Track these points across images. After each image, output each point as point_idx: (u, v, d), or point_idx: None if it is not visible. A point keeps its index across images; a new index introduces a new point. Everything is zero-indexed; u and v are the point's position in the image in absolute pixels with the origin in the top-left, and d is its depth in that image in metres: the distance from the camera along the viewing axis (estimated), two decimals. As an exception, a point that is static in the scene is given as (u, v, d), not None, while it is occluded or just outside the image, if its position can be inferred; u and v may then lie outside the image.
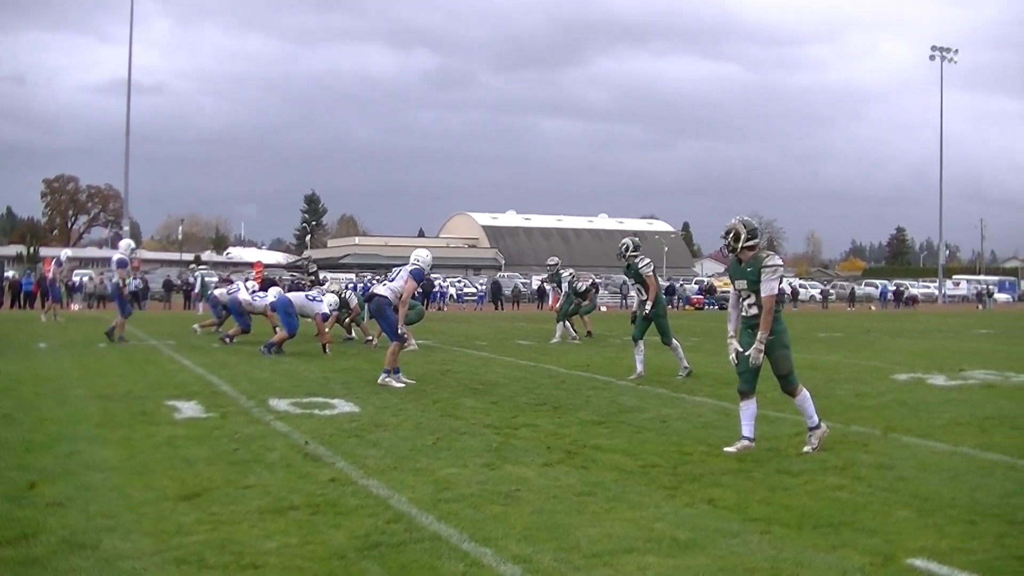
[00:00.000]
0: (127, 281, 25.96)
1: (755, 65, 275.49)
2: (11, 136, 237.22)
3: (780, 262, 10.71)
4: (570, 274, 31.03)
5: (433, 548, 6.70)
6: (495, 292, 69.21)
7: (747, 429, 10.61)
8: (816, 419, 10.74)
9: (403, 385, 15.85)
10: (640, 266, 18.00)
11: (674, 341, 18.11)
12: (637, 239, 18.86)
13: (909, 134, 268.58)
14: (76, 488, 8.32)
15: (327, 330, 23.17)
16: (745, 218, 11.08)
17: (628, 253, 18.22)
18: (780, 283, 10.68)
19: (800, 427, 11.67)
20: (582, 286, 30.92)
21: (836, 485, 8.78)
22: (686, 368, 18.05)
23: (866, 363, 21.76)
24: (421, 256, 17.00)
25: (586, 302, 30.51)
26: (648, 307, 18.08)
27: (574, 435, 11.27)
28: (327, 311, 23.43)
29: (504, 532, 7.07)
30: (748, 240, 10.83)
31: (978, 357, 23.96)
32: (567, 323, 29.58)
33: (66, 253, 40.11)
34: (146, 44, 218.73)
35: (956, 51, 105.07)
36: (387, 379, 16.00)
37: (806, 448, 10.45)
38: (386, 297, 16.59)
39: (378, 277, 67.51)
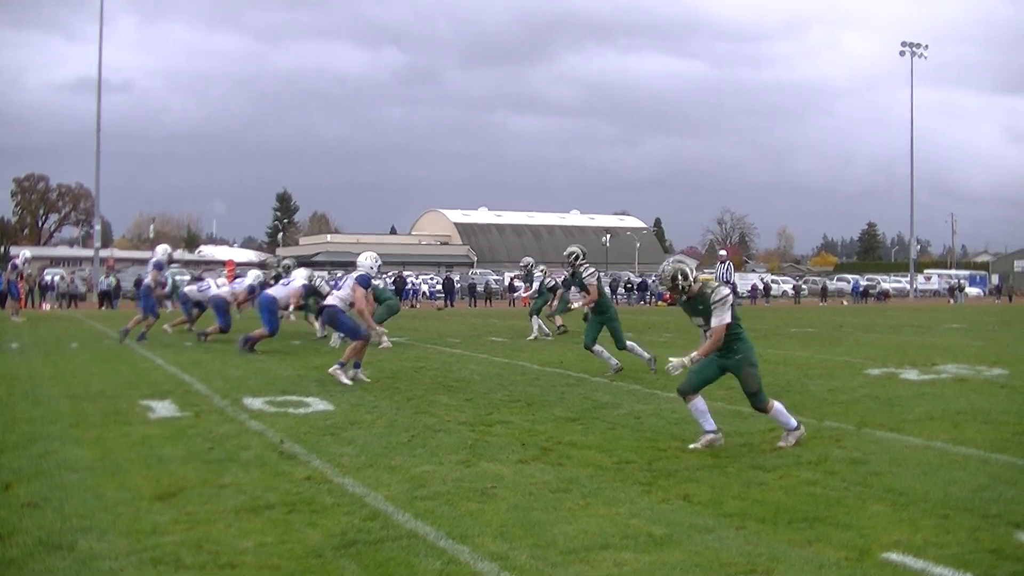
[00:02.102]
0: (158, 283, 25.97)
1: (721, 61, 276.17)
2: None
3: (726, 292, 10.76)
4: (542, 271, 31.16)
5: (410, 546, 6.71)
6: (449, 288, 68.70)
7: (706, 423, 10.64)
8: (794, 423, 10.78)
9: (350, 382, 15.77)
10: (584, 275, 17.95)
11: (629, 342, 18.04)
12: (584, 248, 18.72)
13: (877, 129, 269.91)
14: (51, 488, 8.31)
15: (291, 310, 23.40)
16: (678, 258, 11.46)
17: (577, 262, 18.14)
18: (731, 312, 10.61)
19: (774, 423, 11.72)
20: (551, 282, 30.86)
21: (810, 480, 8.82)
22: (650, 359, 18.03)
23: (839, 358, 21.82)
24: (364, 262, 16.93)
25: (555, 302, 30.36)
26: (585, 308, 18.12)
27: (549, 432, 11.29)
28: (303, 283, 23.43)
29: (480, 529, 7.09)
30: (685, 280, 10.86)
31: (950, 352, 24.05)
32: (539, 321, 29.66)
33: (25, 254, 39.99)
34: (113, 42, 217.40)
35: (926, 46, 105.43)
36: (338, 371, 15.91)
37: (781, 443, 10.51)
38: (335, 306, 16.54)
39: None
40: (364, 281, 16.47)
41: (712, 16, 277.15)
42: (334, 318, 16.53)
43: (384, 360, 19.99)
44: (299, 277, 23.78)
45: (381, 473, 8.98)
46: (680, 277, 10.82)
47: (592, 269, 18.33)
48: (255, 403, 13.37)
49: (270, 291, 23.37)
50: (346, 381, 15.74)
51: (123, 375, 16.81)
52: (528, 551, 6.61)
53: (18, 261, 38.14)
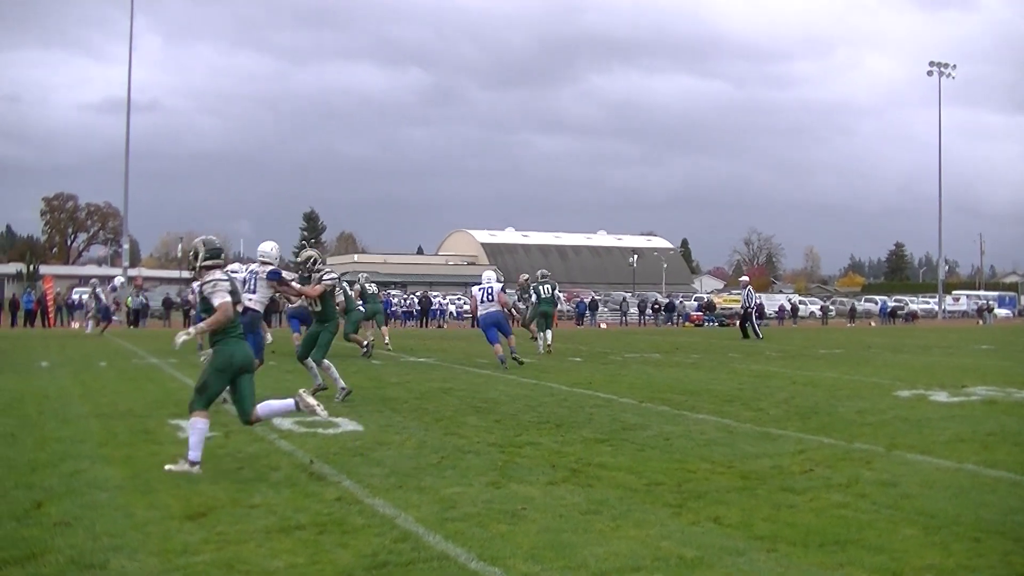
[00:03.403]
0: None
1: (744, 81, 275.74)
2: (8, 154, 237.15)
3: (216, 277, 10.51)
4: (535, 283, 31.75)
5: (441, 567, 6.71)
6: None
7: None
8: (197, 455, 10.10)
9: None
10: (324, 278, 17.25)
11: (325, 361, 17.12)
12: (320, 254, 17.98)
13: (901, 149, 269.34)
14: (81, 507, 8.33)
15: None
16: (208, 238, 11.13)
17: (314, 266, 17.45)
18: (225, 296, 10.32)
19: (804, 445, 11.74)
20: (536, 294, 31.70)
21: (841, 503, 8.78)
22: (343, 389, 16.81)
23: (867, 379, 21.73)
24: (266, 252, 16.32)
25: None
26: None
27: (578, 453, 11.27)
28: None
29: (511, 551, 7.07)
30: (207, 259, 10.78)
31: (979, 373, 23.92)
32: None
33: (120, 280, 40.29)
34: (139, 62, 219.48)
35: (954, 66, 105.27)
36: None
37: (173, 467, 10.15)
38: (259, 312, 16.21)
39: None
40: (275, 275, 15.98)
41: (735, 36, 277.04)
42: (254, 324, 15.87)
43: (412, 381, 20.03)
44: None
45: (411, 494, 8.97)
46: (192, 255, 10.89)
47: (333, 274, 17.75)
48: (284, 423, 13.35)
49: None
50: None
51: (152, 394, 16.84)
52: (559, 573, 6.60)
53: (116, 283, 38.33)
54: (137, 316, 56.39)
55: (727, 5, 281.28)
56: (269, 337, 25.04)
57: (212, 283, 10.43)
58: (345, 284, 28.20)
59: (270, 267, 16.17)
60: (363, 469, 10.16)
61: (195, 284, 11.16)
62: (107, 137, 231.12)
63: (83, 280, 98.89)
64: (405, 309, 68.93)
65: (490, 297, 26.34)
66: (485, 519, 8.02)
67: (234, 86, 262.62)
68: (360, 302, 29.14)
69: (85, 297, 59.78)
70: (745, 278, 50.12)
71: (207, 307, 10.34)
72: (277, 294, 16.78)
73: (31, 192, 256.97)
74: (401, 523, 7.85)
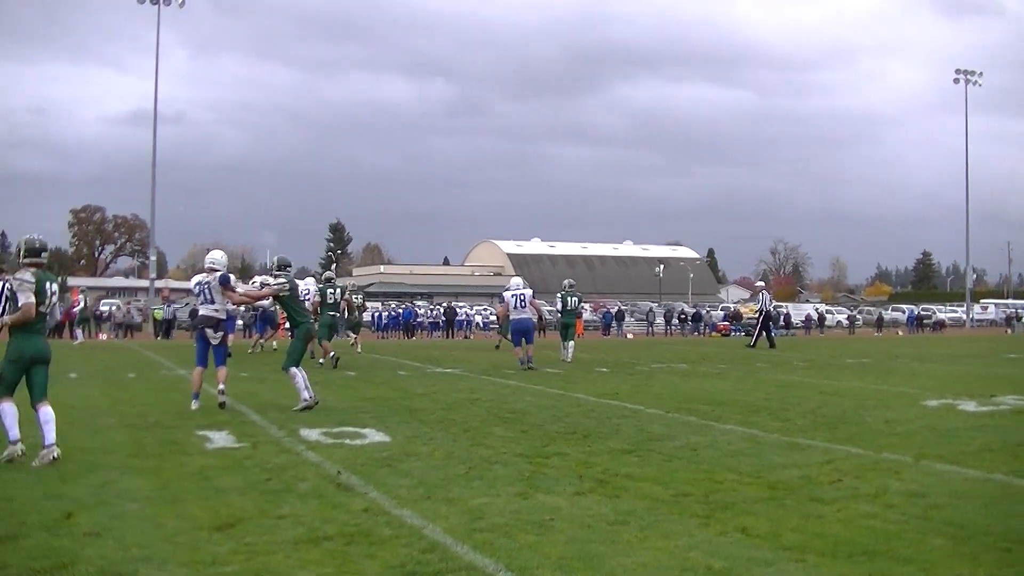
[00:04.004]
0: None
1: (768, 91, 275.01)
2: (36, 167, 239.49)
3: (26, 277, 11.29)
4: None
5: (468, 578, 6.72)
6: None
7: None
8: (14, 434, 11.37)
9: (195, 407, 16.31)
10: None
11: (292, 369, 16.89)
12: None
13: (927, 157, 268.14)
14: (111, 518, 8.37)
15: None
16: (30, 237, 11.78)
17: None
18: (30, 297, 11.27)
19: (831, 455, 11.72)
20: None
21: (869, 513, 8.75)
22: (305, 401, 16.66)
23: (895, 389, 21.66)
24: (216, 260, 16.83)
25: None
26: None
27: (605, 464, 11.26)
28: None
29: (539, 561, 7.07)
30: (25, 257, 11.57)
31: (1008, 382, 23.85)
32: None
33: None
34: (165, 74, 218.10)
35: (980, 74, 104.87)
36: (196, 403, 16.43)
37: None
38: (222, 318, 16.79)
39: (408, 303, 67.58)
40: (225, 280, 16.54)
41: (759, 46, 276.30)
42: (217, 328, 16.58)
43: (439, 392, 20.04)
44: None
45: (439, 505, 8.98)
46: (15, 251, 11.88)
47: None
48: (311, 434, 13.40)
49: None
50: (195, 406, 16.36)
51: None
52: (587, 584, 6.60)
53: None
54: (168, 327, 56.60)
55: (752, 15, 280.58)
56: (275, 344, 25.37)
57: (20, 282, 11.30)
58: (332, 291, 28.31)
59: (215, 273, 16.63)
60: (390, 480, 10.18)
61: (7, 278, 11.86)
62: (133, 149, 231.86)
63: (110, 292, 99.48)
64: (431, 320, 68.91)
65: (522, 303, 27.73)
66: (513, 530, 8.03)
67: (260, 98, 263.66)
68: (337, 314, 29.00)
69: (113, 309, 60.26)
70: (761, 283, 50.02)
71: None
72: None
73: (59, 204, 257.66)
74: (429, 534, 7.86)
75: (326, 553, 7.29)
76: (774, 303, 45.02)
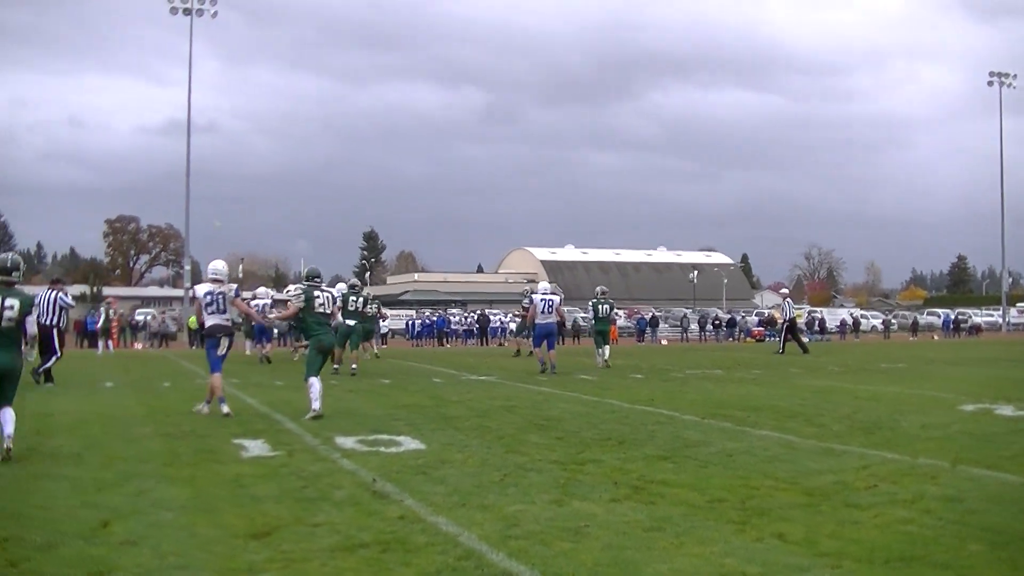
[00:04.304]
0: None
1: (800, 96, 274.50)
2: (72, 178, 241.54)
3: None
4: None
5: (504, 585, 6.72)
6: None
7: None
8: None
9: (203, 410, 17.21)
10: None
11: (310, 379, 17.01)
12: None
13: (960, 160, 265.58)
14: (147, 526, 8.39)
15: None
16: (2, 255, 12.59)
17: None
18: None
19: (867, 460, 11.68)
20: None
21: (905, 518, 8.71)
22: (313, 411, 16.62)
23: (931, 394, 21.57)
24: (219, 270, 17.61)
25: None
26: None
27: (640, 470, 11.23)
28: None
29: (574, 568, 7.06)
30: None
31: (1045, 386, 23.73)
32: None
33: (265, 291, 41.00)
34: (198, 85, 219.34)
35: (1014, 76, 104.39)
36: (202, 407, 17.28)
37: None
38: (228, 326, 17.49)
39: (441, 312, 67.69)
40: (236, 294, 17.54)
41: (791, 51, 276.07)
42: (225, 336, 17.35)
43: (473, 399, 20.04)
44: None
45: (474, 512, 8.97)
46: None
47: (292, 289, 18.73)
48: (347, 442, 13.41)
49: None
50: (205, 410, 17.20)
51: (214, 414, 16.89)
52: (622, 590, 6.59)
53: (262, 302, 38.69)
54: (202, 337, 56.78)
55: (783, 20, 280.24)
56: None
57: None
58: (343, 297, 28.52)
59: (220, 283, 17.39)
60: (426, 487, 10.17)
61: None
62: (167, 159, 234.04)
63: (145, 301, 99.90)
64: (465, 328, 68.95)
65: (550, 309, 28.37)
66: (548, 536, 8.02)
67: (292, 107, 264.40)
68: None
69: (148, 318, 60.59)
70: (785, 290, 50.07)
71: None
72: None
73: (94, 215, 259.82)
74: (464, 541, 7.85)
75: (362, 561, 7.30)
76: (810, 309, 44.91)
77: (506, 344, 46.75)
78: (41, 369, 23.95)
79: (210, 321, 17.27)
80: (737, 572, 7.01)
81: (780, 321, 45.61)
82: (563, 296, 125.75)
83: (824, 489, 10.11)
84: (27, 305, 12.35)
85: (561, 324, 32.54)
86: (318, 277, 17.99)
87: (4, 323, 12.01)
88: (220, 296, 17.14)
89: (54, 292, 24.81)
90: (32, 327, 12.55)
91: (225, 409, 16.77)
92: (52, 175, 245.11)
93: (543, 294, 29.36)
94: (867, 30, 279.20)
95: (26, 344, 12.49)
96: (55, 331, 24.35)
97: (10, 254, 12.62)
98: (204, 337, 17.85)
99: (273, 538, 7.99)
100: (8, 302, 12.01)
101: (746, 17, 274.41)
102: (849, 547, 7.67)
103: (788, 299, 46.00)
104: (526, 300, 39.50)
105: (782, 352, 42.99)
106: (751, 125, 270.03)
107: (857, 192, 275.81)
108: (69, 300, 25.26)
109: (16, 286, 12.40)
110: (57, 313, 24.52)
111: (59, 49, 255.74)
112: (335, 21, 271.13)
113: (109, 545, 7.76)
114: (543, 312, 28.74)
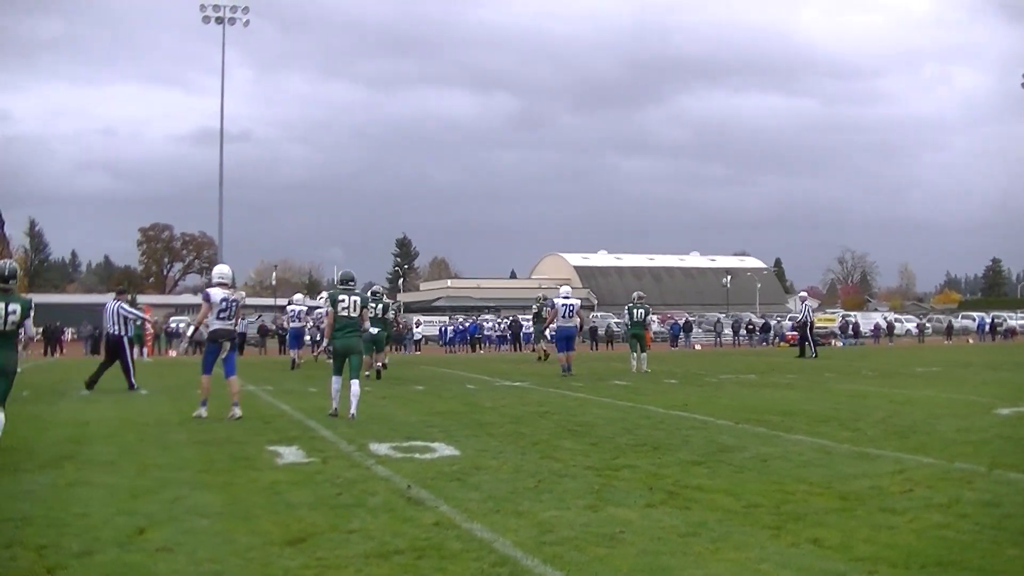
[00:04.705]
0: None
1: (831, 99, 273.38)
2: (106, 186, 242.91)
3: None
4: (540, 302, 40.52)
5: (539, 591, 6.72)
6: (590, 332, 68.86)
7: None
8: None
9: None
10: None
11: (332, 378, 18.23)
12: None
13: (994, 163, 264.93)
14: (183, 533, 8.42)
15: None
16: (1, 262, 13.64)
17: None
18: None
19: (902, 465, 11.63)
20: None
21: (941, 523, 8.67)
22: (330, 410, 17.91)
23: (966, 398, 21.46)
24: (226, 274, 18.42)
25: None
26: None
27: (675, 475, 11.21)
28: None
29: (609, 574, 7.06)
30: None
31: (1081, 390, 23.58)
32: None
33: (300, 298, 41.37)
34: (231, 93, 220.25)
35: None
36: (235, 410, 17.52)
37: None
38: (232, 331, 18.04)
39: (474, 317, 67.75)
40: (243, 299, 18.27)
41: (821, 54, 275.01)
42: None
43: (507, 405, 20.03)
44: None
45: (508, 518, 8.97)
46: None
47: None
48: (381, 448, 13.43)
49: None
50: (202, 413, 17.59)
51: (249, 421, 16.96)
52: (658, 596, 6.58)
53: (297, 308, 38.91)
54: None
55: (813, 24, 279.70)
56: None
57: None
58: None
59: (227, 288, 18.13)
60: (460, 494, 10.17)
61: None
62: (200, 168, 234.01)
63: (179, 309, 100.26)
64: (499, 333, 68.99)
65: (570, 313, 30.04)
66: (583, 543, 8.01)
67: (325, 115, 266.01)
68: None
69: (183, 326, 60.84)
70: (804, 293, 49.99)
71: None
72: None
73: (128, 223, 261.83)
74: (499, 547, 7.85)
75: (397, 567, 7.30)
76: (843, 313, 44.79)
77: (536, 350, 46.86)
78: (130, 381, 25.15)
79: (216, 325, 17.77)
80: (773, 577, 7.00)
81: (802, 325, 45.50)
82: (597, 301, 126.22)
83: (859, 494, 10.08)
84: (26, 309, 13.26)
85: (579, 328, 33.12)
86: (351, 281, 18.55)
87: (8, 326, 13.01)
88: (234, 303, 17.80)
89: (117, 303, 25.16)
90: (31, 329, 13.67)
91: (203, 413, 17.77)
92: (86, 184, 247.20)
93: (564, 298, 30.54)
94: (898, 33, 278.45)
95: (23, 347, 13.50)
96: (123, 341, 24.76)
97: (7, 261, 13.67)
98: (208, 341, 18.14)
99: (308, 544, 8.00)
100: (11, 307, 13.01)
101: (776, 21, 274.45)
102: (885, 552, 7.64)
103: (806, 301, 45.93)
104: (535, 306, 43.99)
105: (802, 355, 42.99)
106: (783, 129, 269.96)
107: (890, 195, 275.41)
108: (130, 310, 25.59)
109: (11, 292, 13.32)
110: (121, 323, 24.87)
111: (92, 59, 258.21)
112: (366, 29, 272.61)
113: (145, 552, 7.79)
114: (564, 316, 30.20)
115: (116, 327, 24.62)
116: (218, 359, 18.09)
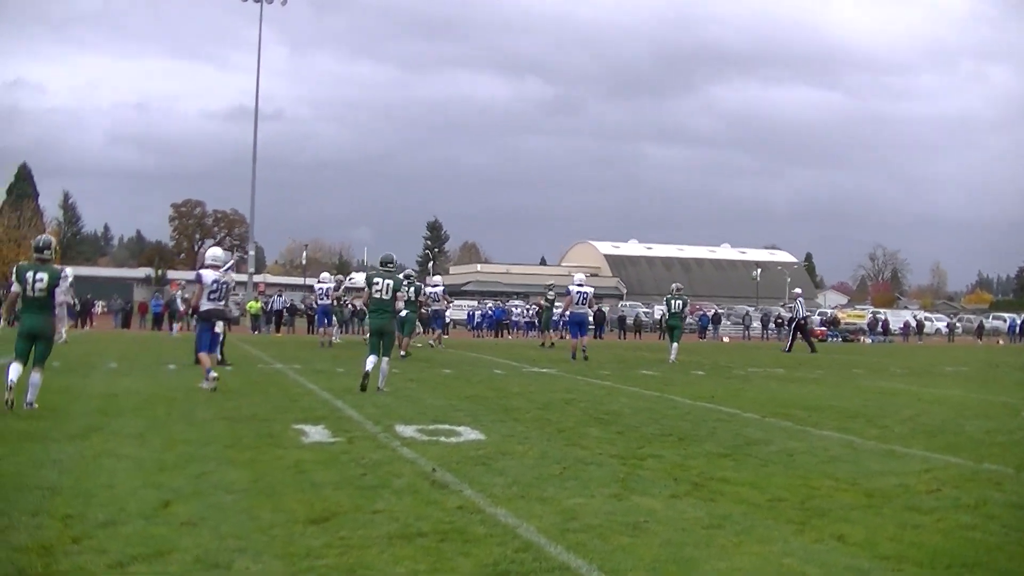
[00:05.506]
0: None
1: (864, 93, 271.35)
2: (139, 162, 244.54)
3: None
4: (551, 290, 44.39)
5: (561, 578, 6.71)
6: (599, 320, 68.73)
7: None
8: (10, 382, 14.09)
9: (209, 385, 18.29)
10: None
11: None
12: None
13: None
14: (207, 508, 8.44)
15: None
16: (38, 236, 15.66)
17: None
18: (15, 286, 14.65)
19: (930, 464, 11.59)
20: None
21: (968, 524, 8.62)
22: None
23: (996, 398, 21.39)
24: (219, 256, 19.27)
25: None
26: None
27: (700, 467, 11.18)
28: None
29: (632, 564, 7.04)
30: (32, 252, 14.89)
31: (1112, 394, 23.45)
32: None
33: (327, 276, 41.56)
34: (264, 71, 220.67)
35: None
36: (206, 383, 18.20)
37: None
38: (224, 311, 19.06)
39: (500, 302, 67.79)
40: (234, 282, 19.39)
41: (855, 47, 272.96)
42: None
43: (534, 391, 20.03)
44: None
45: (533, 504, 8.96)
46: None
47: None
48: (407, 431, 13.43)
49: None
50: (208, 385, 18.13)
51: (276, 399, 17.01)
52: (680, 587, 6.56)
53: (324, 286, 38.93)
54: (280, 319, 57.21)
55: (847, 16, 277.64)
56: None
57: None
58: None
59: (219, 270, 18.98)
60: (485, 478, 10.17)
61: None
62: (232, 144, 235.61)
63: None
64: (527, 319, 68.98)
65: (584, 300, 31.62)
66: (606, 531, 7.99)
67: (357, 95, 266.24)
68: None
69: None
70: (798, 290, 50.04)
71: None
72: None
73: (160, 198, 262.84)
74: (523, 533, 7.84)
75: (420, 549, 7.30)
76: (873, 310, 44.72)
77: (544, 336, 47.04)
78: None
79: (207, 306, 18.62)
80: (796, 572, 6.97)
81: (794, 320, 45.76)
82: (626, 291, 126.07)
83: (885, 491, 10.03)
84: (55, 277, 14.59)
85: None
86: (391, 263, 19.41)
87: (37, 292, 14.38)
88: (224, 285, 18.71)
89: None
90: (60, 296, 15.07)
91: (210, 385, 18.27)
92: (119, 158, 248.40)
93: (578, 286, 31.73)
94: (933, 28, 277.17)
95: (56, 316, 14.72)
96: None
97: (43, 235, 15.27)
98: (201, 320, 18.90)
99: (332, 524, 8.00)
100: (39, 275, 14.33)
101: (810, 13, 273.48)
102: (910, 551, 7.60)
103: (800, 298, 45.97)
104: (551, 293, 46.64)
105: (789, 351, 43.36)
106: (815, 122, 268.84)
107: (923, 193, 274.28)
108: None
109: (48, 263, 14.77)
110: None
111: (128, 34, 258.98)
112: (400, 11, 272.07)
113: (170, 525, 7.82)
114: (578, 303, 31.60)
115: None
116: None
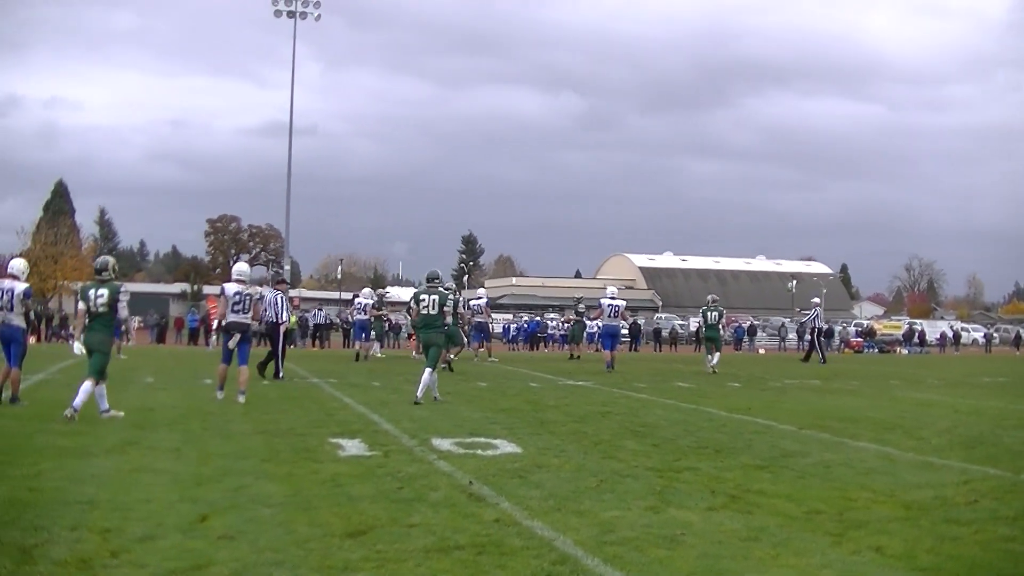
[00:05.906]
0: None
1: (901, 105, 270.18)
2: (175, 177, 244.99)
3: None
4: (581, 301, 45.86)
5: (599, 590, 6.71)
6: (634, 333, 68.65)
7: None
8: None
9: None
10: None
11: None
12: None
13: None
14: (244, 522, 8.48)
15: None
16: (99, 257, 16.76)
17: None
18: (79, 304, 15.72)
19: (968, 475, 11.53)
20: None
21: (1008, 536, 8.58)
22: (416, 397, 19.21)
23: (1034, 410, 21.28)
24: (245, 272, 19.82)
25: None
26: None
27: (737, 479, 11.16)
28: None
29: (669, 576, 7.04)
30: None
31: None
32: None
33: (368, 292, 41.73)
34: (299, 87, 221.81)
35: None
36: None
37: None
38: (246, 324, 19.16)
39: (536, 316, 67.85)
40: (261, 297, 20.03)
41: (892, 59, 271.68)
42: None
43: (570, 404, 20.03)
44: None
45: (569, 517, 8.96)
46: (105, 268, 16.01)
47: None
48: (443, 444, 13.45)
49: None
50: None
51: (312, 413, 17.05)
52: (718, 600, 6.55)
53: (364, 301, 39.05)
54: (317, 333, 57.52)
55: (883, 28, 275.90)
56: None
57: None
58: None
59: (244, 285, 19.23)
60: (521, 491, 10.17)
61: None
62: (268, 160, 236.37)
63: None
64: (562, 332, 68.97)
65: (615, 313, 32.53)
66: (643, 543, 7.99)
67: (392, 111, 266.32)
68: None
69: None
70: (816, 299, 49.84)
71: None
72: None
73: (196, 213, 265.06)
74: (559, 546, 7.84)
75: (457, 562, 7.31)
76: (909, 321, 44.57)
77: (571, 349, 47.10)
78: (279, 367, 25.99)
79: (231, 318, 18.91)
80: (834, 584, 6.95)
81: (812, 330, 45.85)
82: (661, 303, 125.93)
83: (923, 503, 9.99)
84: (115, 292, 15.59)
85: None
86: (437, 279, 19.89)
87: (99, 308, 15.50)
88: (247, 297, 18.91)
89: (277, 293, 26.01)
90: (122, 312, 15.73)
91: (219, 396, 19.48)
92: (156, 174, 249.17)
93: (610, 299, 32.73)
94: (970, 39, 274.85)
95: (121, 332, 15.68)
96: (279, 329, 25.48)
97: (103, 257, 16.06)
98: (223, 332, 19.28)
99: (368, 537, 8.03)
100: (99, 292, 15.32)
101: (846, 25, 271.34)
102: (948, 563, 7.57)
103: (818, 308, 45.84)
104: (581, 306, 47.86)
105: (806, 360, 43.43)
106: (852, 134, 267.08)
107: (959, 203, 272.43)
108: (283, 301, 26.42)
109: (107, 282, 15.67)
110: (283, 312, 25.74)
111: (164, 51, 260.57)
112: (435, 26, 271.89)
113: (207, 539, 7.86)
114: (609, 316, 32.55)
115: (276, 316, 25.28)
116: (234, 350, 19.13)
